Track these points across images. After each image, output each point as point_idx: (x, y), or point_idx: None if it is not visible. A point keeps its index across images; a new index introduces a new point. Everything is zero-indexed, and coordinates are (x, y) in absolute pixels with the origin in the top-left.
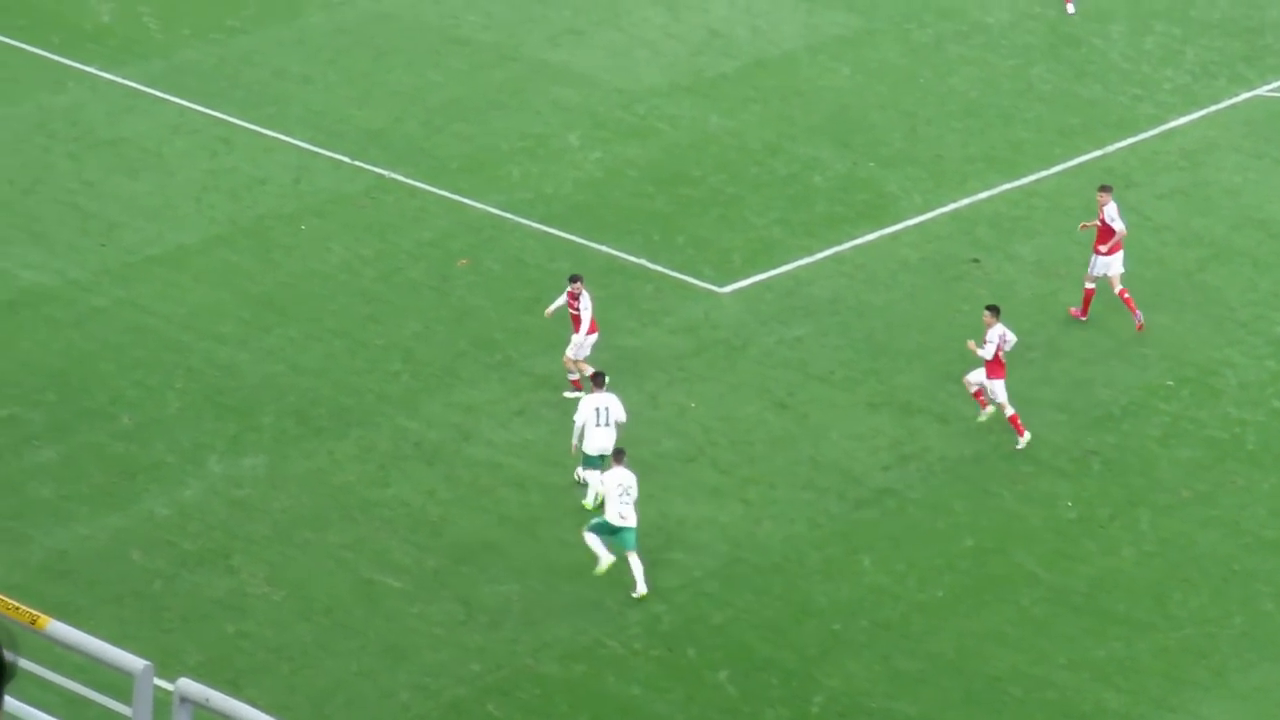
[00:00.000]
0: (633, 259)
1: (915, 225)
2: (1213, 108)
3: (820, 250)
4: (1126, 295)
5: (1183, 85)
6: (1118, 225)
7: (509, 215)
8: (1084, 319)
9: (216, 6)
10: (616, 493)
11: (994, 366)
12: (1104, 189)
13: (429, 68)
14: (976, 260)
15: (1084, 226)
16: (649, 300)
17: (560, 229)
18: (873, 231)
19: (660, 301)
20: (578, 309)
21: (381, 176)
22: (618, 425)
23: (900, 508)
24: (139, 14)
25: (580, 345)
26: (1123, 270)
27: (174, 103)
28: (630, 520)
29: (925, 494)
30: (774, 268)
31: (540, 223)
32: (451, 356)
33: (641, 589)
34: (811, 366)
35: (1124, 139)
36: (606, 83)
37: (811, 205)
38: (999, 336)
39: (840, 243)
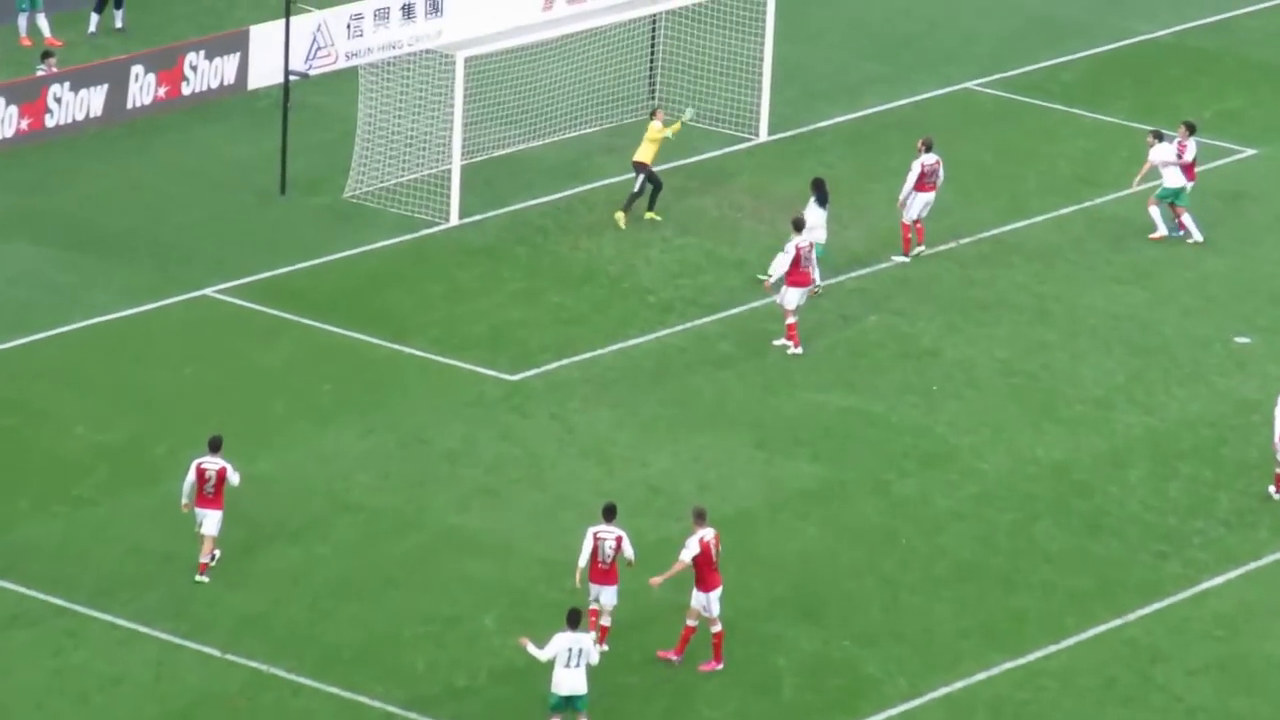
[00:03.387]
0: None
1: (900, 714)
2: (1252, 565)
3: None
4: None
5: (1216, 539)
6: None
7: (413, 715)
8: None
9: (60, 472)
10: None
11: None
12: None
13: (315, 540)
14: None
15: None
16: None
17: None
18: None
19: None
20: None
21: (259, 671)
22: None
23: None
24: None
25: None
26: None
27: (10, 589)
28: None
29: None
30: None
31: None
32: None
33: None
34: None
35: (1148, 604)
36: (527, 552)
37: (775, 692)
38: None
39: None
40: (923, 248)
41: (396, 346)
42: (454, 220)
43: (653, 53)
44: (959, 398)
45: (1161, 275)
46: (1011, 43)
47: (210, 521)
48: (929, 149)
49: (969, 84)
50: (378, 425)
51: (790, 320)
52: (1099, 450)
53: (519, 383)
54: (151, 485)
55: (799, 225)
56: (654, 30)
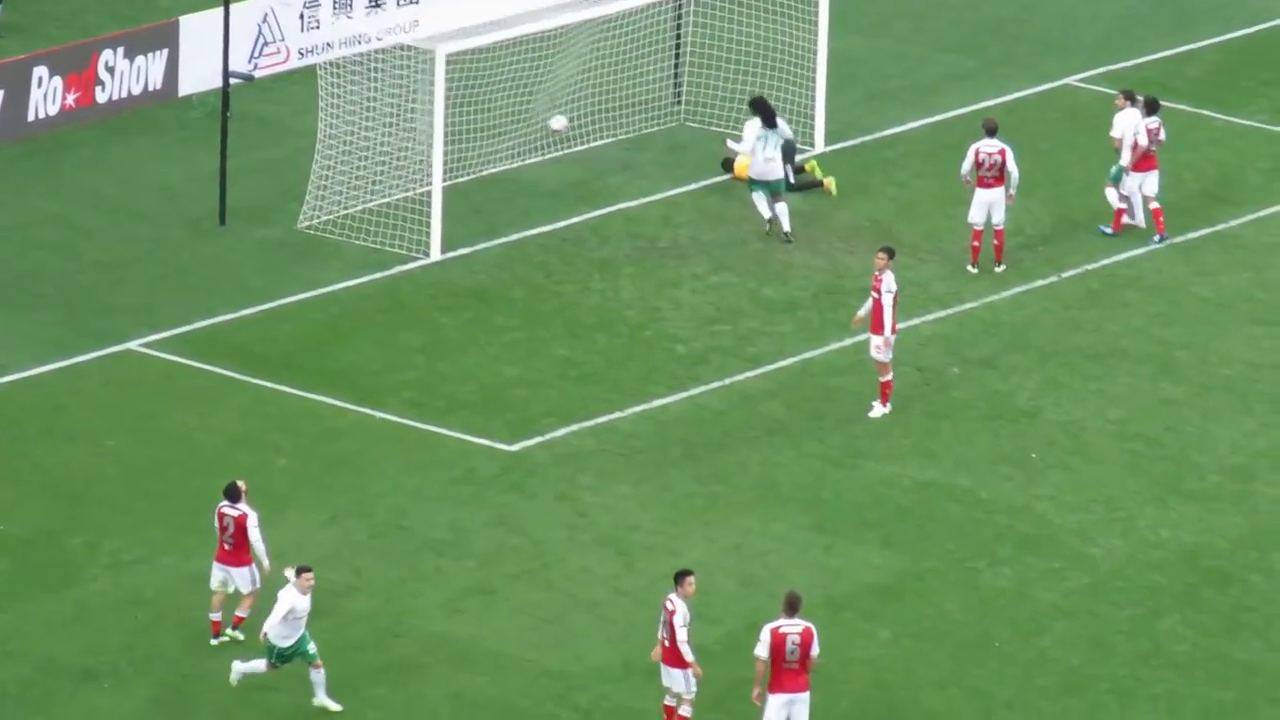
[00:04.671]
0: None
1: None
2: None
3: None
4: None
5: None
6: None
7: None
8: None
9: None
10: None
11: None
12: None
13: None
14: None
15: None
16: None
17: None
18: None
19: None
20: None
21: None
22: None
23: None
24: None
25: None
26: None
27: None
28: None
29: None
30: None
31: None
32: None
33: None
34: None
35: None
36: (531, 664)
37: None
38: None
39: None
40: (1003, 266)
41: (366, 411)
42: (435, 255)
43: (678, 46)
44: (1064, 468)
45: None
46: (1124, 29)
47: (242, 579)
48: (991, 133)
49: (1071, 79)
50: (345, 510)
51: (885, 377)
52: (1238, 531)
53: (518, 454)
54: (65, 587)
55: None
56: (679, 18)
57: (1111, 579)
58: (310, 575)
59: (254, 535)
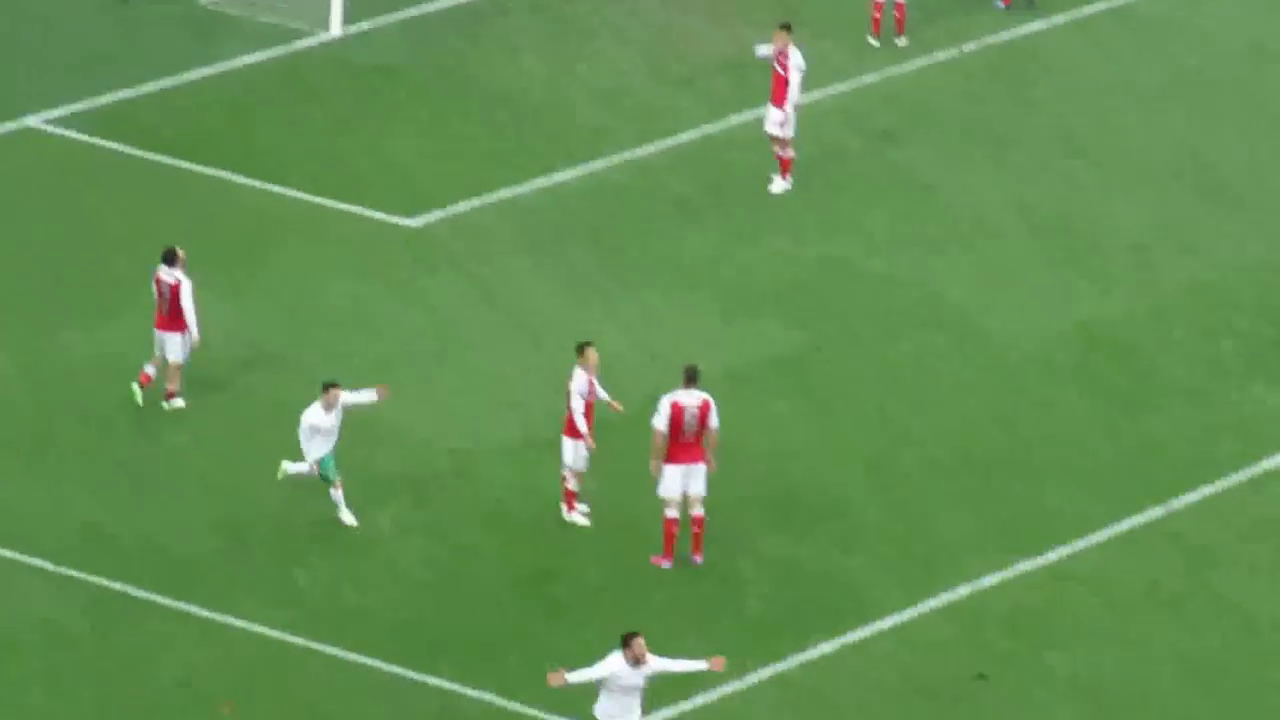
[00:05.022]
0: (476, 694)
1: (892, 629)
2: None
3: (754, 670)
4: None
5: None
6: None
7: (294, 638)
8: None
9: None
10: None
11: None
12: None
13: (170, 427)
14: (983, 677)
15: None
16: None
17: (371, 656)
18: (830, 640)
19: None
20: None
21: (105, 588)
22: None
23: None
24: None
25: None
26: None
27: None
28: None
29: None
30: (694, 693)
31: (340, 648)
32: None
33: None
34: None
35: (1197, 490)
36: (434, 441)
37: (739, 606)
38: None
39: (783, 657)
40: (904, 39)
41: (266, 187)
42: (335, 31)
43: None
44: (964, 243)
45: (1211, 88)
46: None
47: (173, 346)
48: None
49: None
50: (246, 286)
51: (786, 153)
52: (1137, 306)
53: (420, 230)
54: None
55: None
56: None
57: (1009, 353)
58: (336, 391)
59: (186, 303)
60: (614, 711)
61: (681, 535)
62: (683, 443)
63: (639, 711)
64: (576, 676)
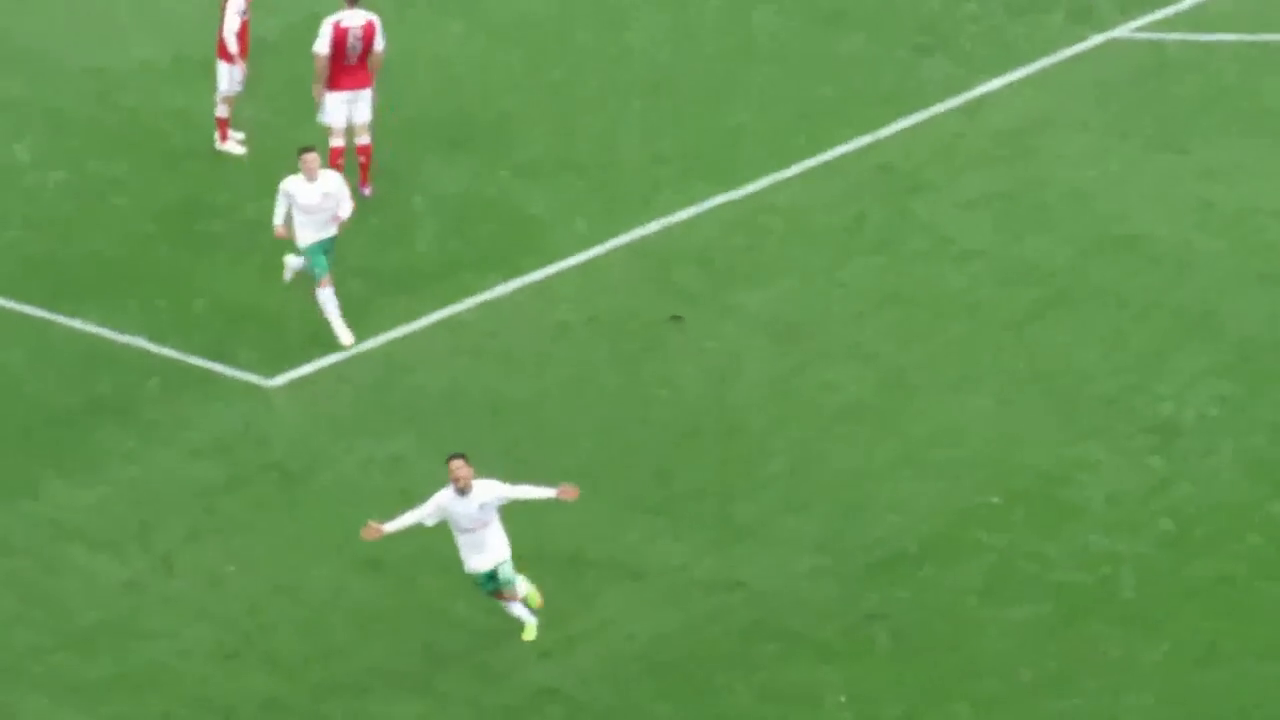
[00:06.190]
0: (125, 339)
1: (577, 267)
2: (1044, 62)
3: (427, 313)
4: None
5: (995, 27)
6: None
7: None
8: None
9: None
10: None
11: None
12: None
13: None
14: (677, 319)
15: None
16: (153, 406)
17: (6, 297)
18: (509, 280)
19: (172, 407)
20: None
21: None
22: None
23: (569, 718)
24: None
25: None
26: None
27: None
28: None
29: (609, 694)
30: (366, 339)
31: None
32: None
33: None
34: (419, 500)
35: (906, 117)
36: (72, 63)
37: (410, 242)
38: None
39: (458, 300)
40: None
41: None
42: None
43: None
44: None
45: None
46: None
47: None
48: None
49: None
50: None
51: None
52: None
53: None
54: None
55: None
56: None
57: None
58: (310, 155)
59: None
60: (468, 556)
61: (348, 166)
62: (347, 67)
63: (498, 550)
64: (395, 525)
